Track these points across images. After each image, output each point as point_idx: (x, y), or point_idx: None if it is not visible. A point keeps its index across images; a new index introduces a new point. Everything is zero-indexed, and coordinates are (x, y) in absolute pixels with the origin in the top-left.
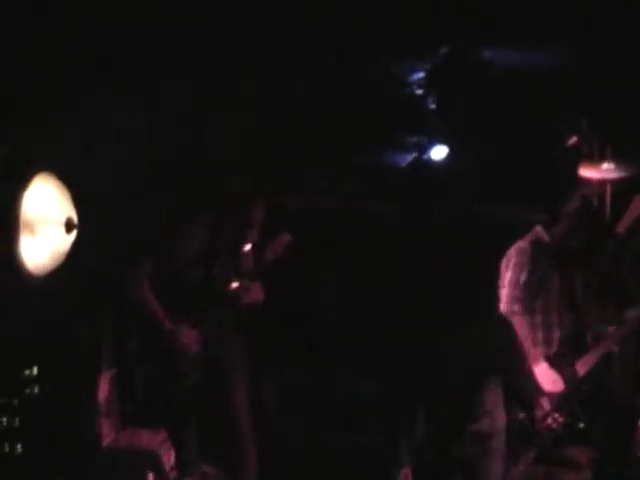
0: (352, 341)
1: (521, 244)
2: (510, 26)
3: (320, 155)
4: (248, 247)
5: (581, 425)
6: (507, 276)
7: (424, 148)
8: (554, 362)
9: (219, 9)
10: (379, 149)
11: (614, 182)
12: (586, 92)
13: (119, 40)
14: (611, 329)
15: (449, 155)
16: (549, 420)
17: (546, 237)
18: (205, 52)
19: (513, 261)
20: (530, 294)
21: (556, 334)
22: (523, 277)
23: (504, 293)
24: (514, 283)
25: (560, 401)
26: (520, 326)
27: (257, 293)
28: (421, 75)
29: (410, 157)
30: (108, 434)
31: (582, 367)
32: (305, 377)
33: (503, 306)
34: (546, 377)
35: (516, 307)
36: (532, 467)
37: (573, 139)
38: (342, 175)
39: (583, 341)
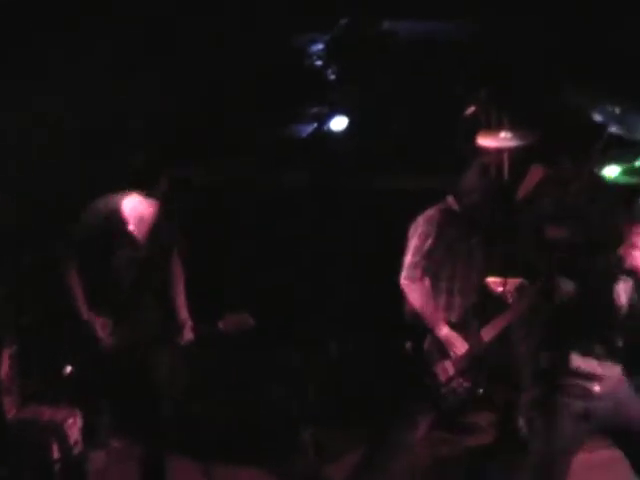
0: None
1: (430, 212)
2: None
3: (224, 127)
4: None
5: (481, 391)
6: (412, 243)
7: (324, 119)
8: (459, 328)
9: None
10: (281, 121)
11: (511, 151)
12: (485, 63)
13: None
14: (514, 300)
15: (349, 126)
16: (454, 384)
17: (456, 206)
18: (113, 32)
19: (420, 229)
20: (437, 261)
21: (458, 300)
22: (428, 244)
23: (407, 259)
24: (418, 250)
25: (464, 365)
26: (419, 292)
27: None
28: (321, 46)
29: (310, 128)
30: (9, 410)
31: (486, 334)
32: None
33: (404, 272)
34: (450, 340)
35: (416, 273)
36: (434, 433)
37: (471, 109)
38: (246, 147)
39: (488, 310)
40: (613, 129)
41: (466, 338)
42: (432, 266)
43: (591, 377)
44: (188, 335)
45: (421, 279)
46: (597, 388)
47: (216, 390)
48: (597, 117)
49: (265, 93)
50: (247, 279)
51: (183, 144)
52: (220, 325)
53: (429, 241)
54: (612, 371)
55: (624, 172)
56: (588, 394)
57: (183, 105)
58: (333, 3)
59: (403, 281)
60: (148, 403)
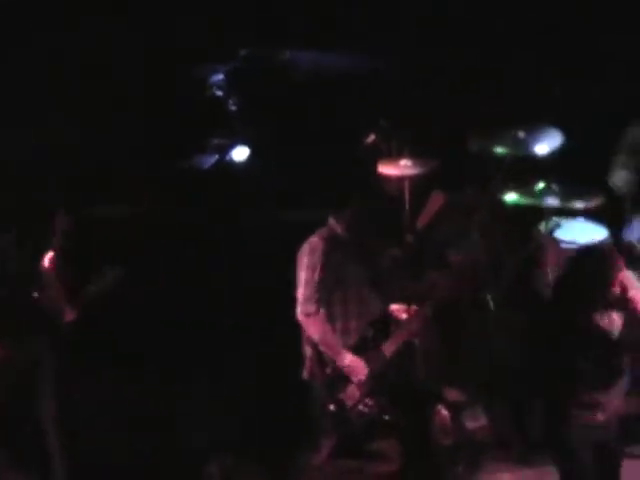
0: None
1: (313, 241)
2: (312, 29)
3: (128, 162)
4: (49, 255)
5: (387, 417)
6: (302, 276)
7: (226, 150)
8: (357, 350)
9: None
10: (184, 152)
11: (412, 178)
12: (384, 92)
13: None
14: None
15: (250, 157)
16: (360, 406)
17: (340, 230)
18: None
19: (305, 261)
20: (327, 288)
21: (353, 324)
22: (317, 275)
23: (300, 293)
24: (308, 283)
25: (370, 386)
26: (318, 325)
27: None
28: (221, 77)
29: (212, 159)
30: None
31: (387, 350)
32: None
33: (299, 307)
34: (352, 367)
35: (312, 307)
36: (341, 461)
37: (372, 137)
38: (150, 181)
39: (388, 326)
40: (517, 153)
41: (367, 359)
42: (324, 294)
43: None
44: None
45: (317, 312)
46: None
47: (116, 424)
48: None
49: (166, 124)
50: (150, 311)
51: (86, 179)
52: (90, 290)
53: (317, 272)
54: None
55: (524, 196)
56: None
57: (86, 139)
58: (235, 34)
59: (300, 316)
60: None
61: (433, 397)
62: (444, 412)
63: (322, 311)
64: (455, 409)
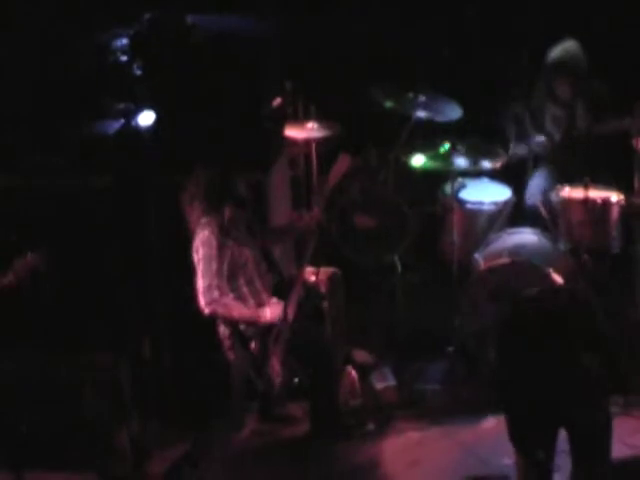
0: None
1: (204, 235)
2: None
3: (28, 130)
4: None
5: (296, 380)
6: (200, 267)
7: (131, 115)
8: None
9: None
10: (88, 119)
11: (319, 141)
12: (290, 55)
13: None
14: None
15: (157, 121)
16: (270, 372)
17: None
18: None
19: (201, 253)
20: (229, 275)
21: (264, 296)
22: (214, 265)
23: (200, 285)
24: (205, 273)
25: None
26: (226, 307)
27: None
28: (125, 41)
29: (118, 124)
30: None
31: (289, 312)
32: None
33: (202, 298)
34: (274, 313)
35: (214, 294)
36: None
37: (277, 100)
38: (52, 149)
39: (285, 290)
40: (419, 115)
41: (279, 328)
42: (230, 281)
43: None
44: None
45: (220, 296)
46: None
47: (23, 395)
48: (401, 105)
49: (70, 90)
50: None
51: None
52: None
53: (213, 262)
54: None
55: (430, 158)
56: None
57: None
58: None
59: (206, 307)
60: None
61: (341, 358)
62: (352, 372)
63: (229, 294)
64: (363, 370)
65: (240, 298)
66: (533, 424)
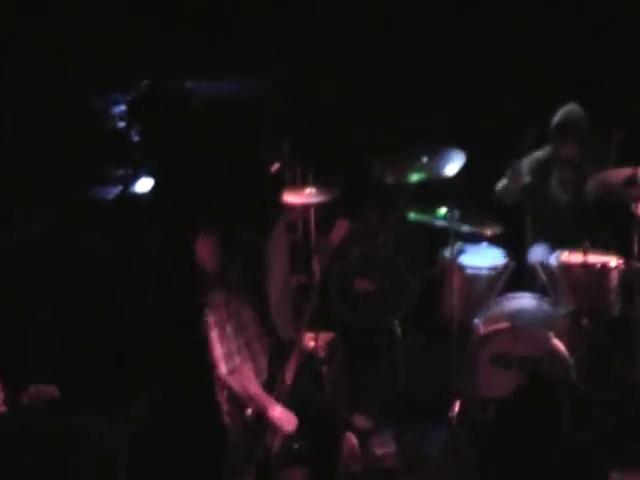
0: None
1: (212, 299)
2: (208, 59)
3: (29, 192)
4: None
5: (296, 446)
6: (212, 335)
7: (130, 181)
8: (270, 385)
9: None
10: (86, 183)
11: (318, 206)
12: (287, 120)
13: None
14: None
15: (156, 187)
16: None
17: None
18: None
19: (212, 319)
20: (235, 339)
21: (262, 361)
22: (227, 329)
23: (218, 353)
24: (222, 338)
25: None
26: (246, 379)
27: None
28: (122, 108)
29: (116, 190)
30: None
31: (288, 376)
32: None
33: (222, 366)
34: (282, 417)
35: (235, 360)
36: None
37: (276, 165)
38: (51, 210)
39: (284, 355)
40: (422, 179)
41: (276, 391)
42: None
43: None
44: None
45: (242, 364)
46: None
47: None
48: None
49: (69, 156)
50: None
51: None
52: (24, 398)
53: (226, 326)
54: None
55: (427, 220)
56: None
57: None
58: (134, 64)
59: (227, 376)
60: None
61: (341, 424)
62: (352, 438)
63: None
64: (363, 435)
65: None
66: None
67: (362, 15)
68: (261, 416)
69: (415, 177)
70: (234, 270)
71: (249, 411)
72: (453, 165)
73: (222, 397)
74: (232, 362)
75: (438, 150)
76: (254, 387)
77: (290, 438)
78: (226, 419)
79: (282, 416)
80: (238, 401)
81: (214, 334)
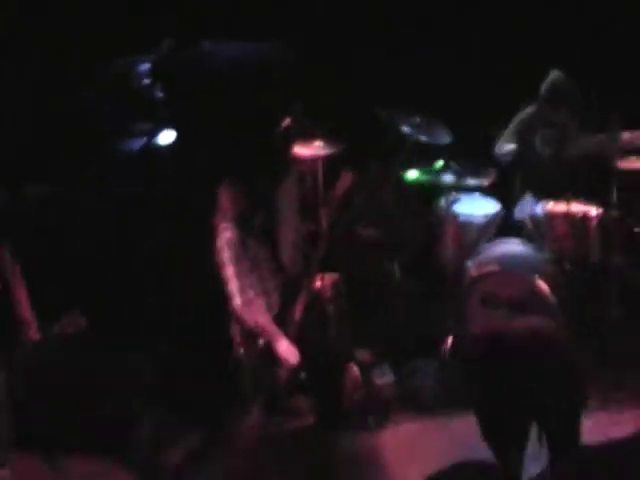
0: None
1: (227, 236)
2: (228, 24)
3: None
4: None
5: (302, 376)
6: (228, 271)
7: (153, 133)
8: (279, 321)
9: None
10: (115, 137)
11: (325, 159)
12: (297, 79)
13: None
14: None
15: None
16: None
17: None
18: None
19: (227, 255)
20: (250, 276)
21: (274, 297)
22: (244, 265)
23: (233, 286)
24: (238, 274)
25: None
26: (259, 311)
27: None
28: (147, 67)
29: (141, 142)
30: None
31: (297, 313)
32: None
33: (237, 298)
34: (287, 352)
35: (251, 293)
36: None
37: (287, 121)
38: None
39: (294, 294)
40: (415, 136)
41: (285, 327)
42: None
43: None
44: (35, 335)
45: (255, 298)
46: None
47: (60, 387)
48: (401, 126)
49: (100, 112)
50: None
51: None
52: (56, 327)
53: (240, 262)
54: None
55: (424, 172)
56: None
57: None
58: (156, 26)
59: (239, 308)
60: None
61: (345, 357)
62: (355, 370)
63: (255, 301)
64: (365, 367)
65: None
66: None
67: None
68: (270, 348)
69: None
70: (252, 214)
71: (261, 342)
72: (442, 137)
73: (236, 330)
74: (245, 295)
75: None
76: (264, 320)
77: (297, 370)
78: (239, 350)
79: (288, 350)
80: (250, 333)
81: (230, 269)
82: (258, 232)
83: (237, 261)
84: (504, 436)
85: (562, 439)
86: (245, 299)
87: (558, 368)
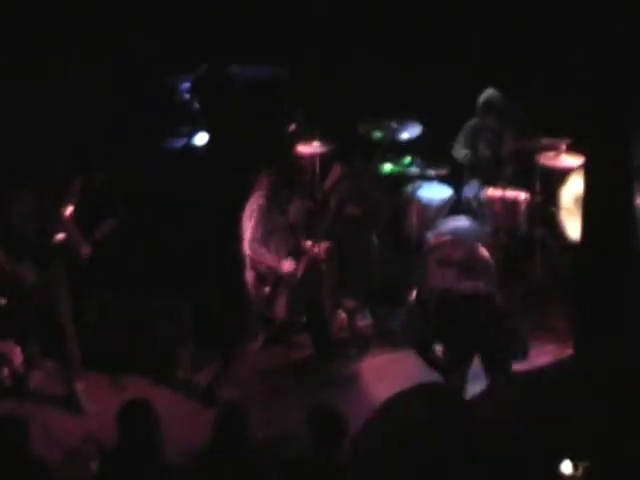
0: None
1: (259, 203)
2: (248, 51)
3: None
4: (69, 211)
5: (303, 319)
6: (247, 224)
7: (191, 135)
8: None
9: None
10: (163, 138)
11: (321, 155)
12: (300, 93)
13: None
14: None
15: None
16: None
17: (269, 191)
18: None
19: (249, 212)
20: (268, 233)
21: (283, 253)
22: (258, 224)
23: (249, 235)
24: (252, 228)
25: (291, 299)
26: (261, 255)
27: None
28: (187, 84)
29: (182, 142)
30: None
31: (299, 270)
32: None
33: (248, 244)
34: (289, 267)
35: (256, 244)
36: (269, 348)
37: (292, 126)
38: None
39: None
40: (390, 137)
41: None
42: (264, 238)
43: None
44: (85, 250)
45: (259, 247)
46: None
47: (118, 318)
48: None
49: (150, 118)
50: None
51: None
52: (95, 234)
53: (258, 222)
54: None
55: (395, 165)
56: None
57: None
58: (195, 53)
59: (248, 250)
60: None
61: (334, 304)
62: (342, 314)
63: (264, 249)
64: (350, 312)
65: (268, 252)
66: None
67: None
68: (273, 293)
69: (386, 136)
70: (278, 192)
71: (267, 289)
72: (411, 131)
73: (250, 276)
74: (253, 245)
75: (403, 119)
76: (266, 258)
77: (298, 313)
78: (251, 294)
79: (289, 267)
80: (260, 277)
81: (248, 223)
82: (282, 205)
83: (258, 221)
84: (449, 363)
85: (497, 367)
86: (252, 245)
87: (491, 317)
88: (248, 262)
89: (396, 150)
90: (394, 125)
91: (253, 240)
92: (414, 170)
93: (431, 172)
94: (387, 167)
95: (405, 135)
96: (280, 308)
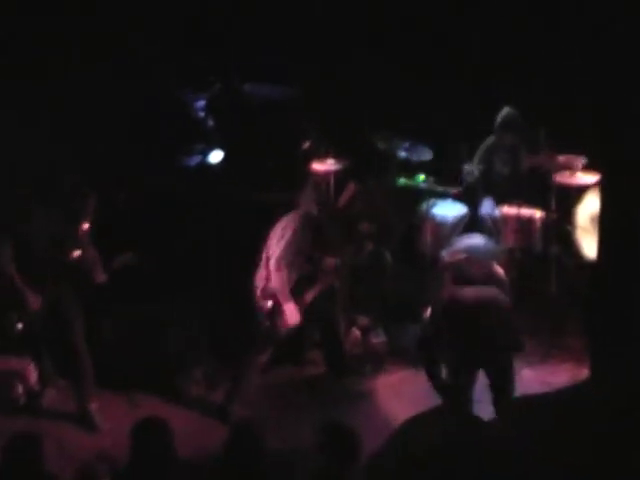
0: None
1: (296, 224)
2: (261, 72)
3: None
4: (86, 227)
5: (317, 337)
6: (283, 243)
7: (206, 153)
8: (293, 294)
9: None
10: (180, 155)
11: (335, 172)
12: (314, 112)
13: None
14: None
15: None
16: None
17: (314, 211)
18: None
19: (279, 232)
20: (292, 256)
21: (293, 276)
22: (288, 246)
23: (278, 254)
24: (285, 252)
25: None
26: (280, 279)
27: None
28: (202, 103)
29: (197, 159)
30: None
31: (307, 297)
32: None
33: (274, 262)
34: (291, 311)
35: (280, 266)
36: (282, 365)
37: (307, 144)
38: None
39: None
40: (402, 155)
41: (297, 302)
42: (290, 259)
43: None
44: (101, 277)
45: (283, 269)
46: None
47: (132, 335)
48: (392, 148)
49: (168, 135)
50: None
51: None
52: (113, 264)
53: (287, 244)
54: None
55: (410, 183)
56: None
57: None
58: (210, 73)
59: (275, 271)
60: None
61: (348, 322)
62: (356, 332)
63: (285, 270)
64: (363, 329)
65: (288, 271)
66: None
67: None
68: (276, 307)
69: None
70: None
71: (269, 303)
72: (424, 154)
73: (258, 290)
74: (279, 265)
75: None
76: (284, 288)
77: (311, 330)
78: (258, 309)
79: (291, 310)
80: (266, 293)
81: (280, 242)
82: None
83: (290, 243)
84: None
85: (501, 384)
86: (277, 266)
87: (497, 323)
88: (262, 276)
89: (411, 168)
90: (406, 145)
91: (281, 260)
92: (428, 188)
93: (445, 190)
94: (402, 180)
95: (416, 157)
96: (282, 322)
